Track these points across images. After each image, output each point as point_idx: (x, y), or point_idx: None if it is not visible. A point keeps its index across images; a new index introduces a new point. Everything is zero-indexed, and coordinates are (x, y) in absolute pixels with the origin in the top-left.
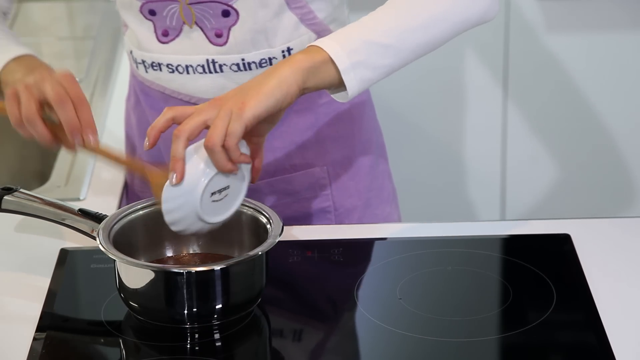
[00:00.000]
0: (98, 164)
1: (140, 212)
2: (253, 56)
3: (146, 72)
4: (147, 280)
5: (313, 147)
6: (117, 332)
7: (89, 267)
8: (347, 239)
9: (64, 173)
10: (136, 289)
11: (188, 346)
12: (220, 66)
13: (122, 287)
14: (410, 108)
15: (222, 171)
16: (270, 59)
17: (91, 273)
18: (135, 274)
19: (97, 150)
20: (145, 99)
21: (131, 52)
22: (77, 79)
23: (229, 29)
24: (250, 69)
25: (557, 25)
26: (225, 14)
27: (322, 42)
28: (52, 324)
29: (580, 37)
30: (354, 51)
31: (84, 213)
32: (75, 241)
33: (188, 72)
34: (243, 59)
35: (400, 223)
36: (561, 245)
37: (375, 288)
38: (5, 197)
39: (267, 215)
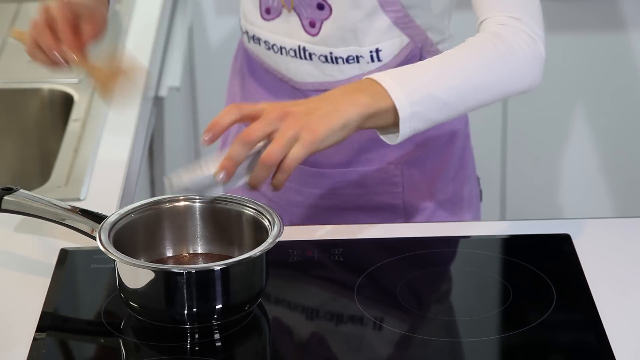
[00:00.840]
0: (98, 164)
1: (140, 212)
2: (341, 52)
3: (248, 42)
4: (147, 280)
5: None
6: (117, 332)
7: (89, 267)
8: (347, 239)
9: (64, 173)
10: (136, 289)
11: (188, 346)
12: (310, 54)
13: (122, 287)
14: None
15: (254, 186)
16: (357, 56)
17: (91, 273)
18: (135, 274)
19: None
20: (248, 65)
21: (240, 19)
22: (77, 79)
23: (322, 22)
24: (337, 62)
25: (557, 25)
26: (320, 7)
27: (388, 86)
28: (52, 324)
29: (580, 37)
30: (417, 103)
31: (84, 213)
32: (75, 241)
33: (282, 53)
34: (331, 53)
35: (400, 223)
36: (561, 245)
37: (375, 288)
38: (5, 197)
39: (267, 215)
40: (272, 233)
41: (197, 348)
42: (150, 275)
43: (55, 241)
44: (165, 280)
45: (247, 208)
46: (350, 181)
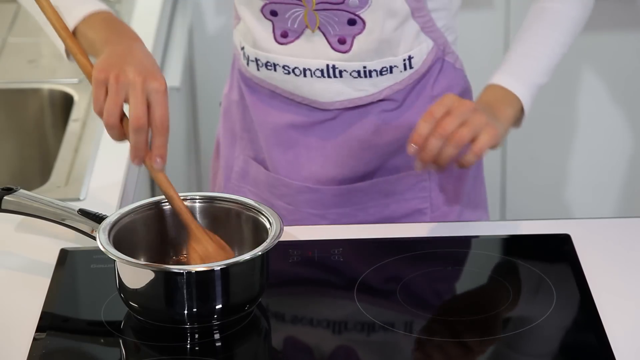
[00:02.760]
0: (98, 164)
1: (140, 212)
2: (375, 64)
3: (258, 70)
4: (147, 280)
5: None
6: (117, 332)
7: (89, 267)
8: (347, 239)
9: (64, 173)
10: (136, 289)
11: (188, 346)
12: (341, 72)
13: (122, 287)
14: None
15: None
16: (391, 67)
17: (91, 273)
18: (135, 274)
19: (156, 176)
20: (251, 95)
21: (243, 48)
22: (77, 79)
23: (354, 37)
24: (370, 76)
25: None
26: (351, 22)
27: (518, 92)
28: (52, 324)
29: (580, 37)
30: (534, 94)
31: (84, 213)
32: (75, 241)
33: (305, 75)
34: (365, 67)
35: (400, 223)
36: (561, 245)
37: (375, 288)
38: (5, 197)
39: (267, 215)
40: (272, 233)
41: (197, 348)
42: (150, 275)
43: (55, 241)
44: (165, 281)
45: (247, 208)
46: (378, 191)
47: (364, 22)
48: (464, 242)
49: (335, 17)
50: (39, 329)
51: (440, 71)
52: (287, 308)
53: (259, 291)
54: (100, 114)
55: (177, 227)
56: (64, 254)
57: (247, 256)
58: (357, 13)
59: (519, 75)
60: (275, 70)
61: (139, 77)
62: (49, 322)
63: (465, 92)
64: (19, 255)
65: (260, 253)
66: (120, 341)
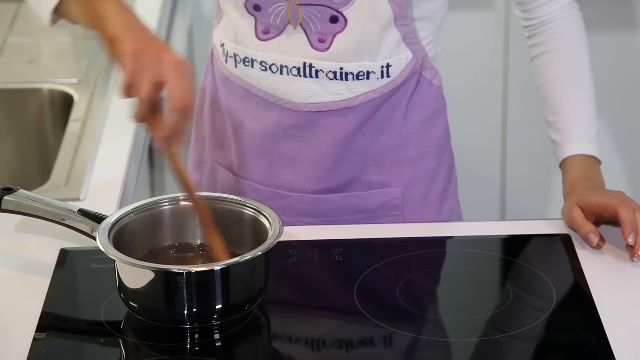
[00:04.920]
0: (98, 164)
1: (140, 212)
2: (352, 67)
3: (235, 66)
4: (147, 280)
5: (391, 166)
6: (117, 332)
7: (89, 267)
8: (347, 239)
9: (64, 173)
10: (136, 289)
11: (188, 346)
12: (317, 71)
13: (122, 287)
14: None
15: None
16: (368, 72)
17: (91, 273)
18: (135, 274)
19: (172, 159)
20: (227, 97)
21: (222, 45)
22: (77, 79)
23: (334, 36)
24: (346, 79)
25: None
26: (333, 19)
27: (592, 151)
28: (52, 324)
29: None
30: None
31: (84, 213)
32: (75, 241)
33: (281, 73)
34: (341, 68)
35: (400, 223)
36: (561, 245)
37: (375, 288)
38: (5, 197)
39: (267, 215)
40: (272, 233)
41: (197, 348)
42: (150, 275)
43: (55, 241)
44: (165, 280)
45: (247, 208)
46: (349, 206)
47: (345, 20)
48: (464, 242)
49: (317, 14)
50: (39, 329)
51: (417, 86)
52: (287, 308)
53: (259, 291)
54: (129, 86)
55: (176, 226)
56: (64, 254)
57: (247, 256)
58: (339, 10)
59: (585, 137)
60: (252, 66)
61: (181, 61)
62: (49, 322)
63: (439, 112)
64: (19, 255)
65: (260, 253)
66: (120, 341)
